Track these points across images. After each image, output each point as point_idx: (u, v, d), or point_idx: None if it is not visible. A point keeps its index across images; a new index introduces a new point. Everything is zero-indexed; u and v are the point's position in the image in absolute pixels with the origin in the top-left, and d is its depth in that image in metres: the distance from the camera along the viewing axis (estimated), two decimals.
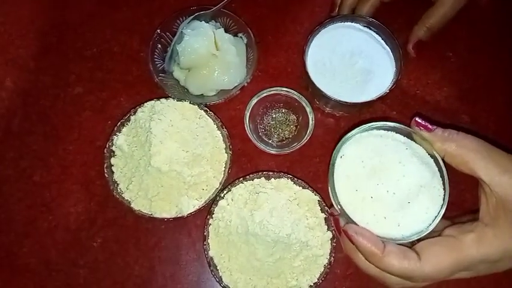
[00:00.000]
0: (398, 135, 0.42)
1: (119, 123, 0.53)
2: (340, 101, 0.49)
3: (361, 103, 0.50)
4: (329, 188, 0.41)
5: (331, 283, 0.51)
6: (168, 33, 0.56)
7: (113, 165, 0.52)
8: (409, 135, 0.42)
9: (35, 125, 0.57)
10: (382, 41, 0.53)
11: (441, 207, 0.39)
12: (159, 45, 0.55)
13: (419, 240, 0.38)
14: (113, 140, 0.53)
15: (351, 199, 0.40)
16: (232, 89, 0.54)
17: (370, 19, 0.53)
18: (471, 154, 0.36)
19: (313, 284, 0.49)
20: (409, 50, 0.56)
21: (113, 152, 0.53)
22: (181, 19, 0.55)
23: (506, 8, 0.61)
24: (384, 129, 0.42)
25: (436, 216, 0.39)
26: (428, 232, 0.38)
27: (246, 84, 0.54)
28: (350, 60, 0.52)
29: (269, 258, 0.48)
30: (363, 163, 0.41)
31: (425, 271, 0.35)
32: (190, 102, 0.53)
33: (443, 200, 0.39)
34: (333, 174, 0.41)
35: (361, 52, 0.52)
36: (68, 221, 0.53)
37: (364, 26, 0.54)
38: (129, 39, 0.59)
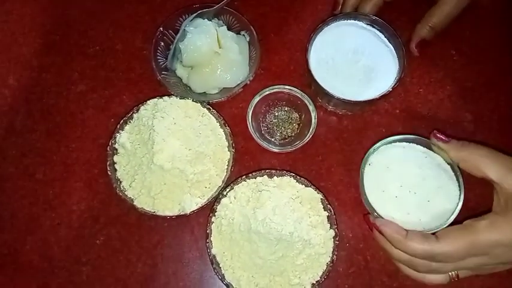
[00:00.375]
0: (418, 146, 0.49)
1: (122, 121, 0.53)
2: (343, 99, 0.49)
3: (364, 101, 0.50)
4: (360, 191, 0.48)
5: (333, 281, 0.52)
6: (170, 31, 0.56)
7: (115, 163, 0.52)
8: (428, 146, 0.49)
9: (37, 123, 0.57)
10: (386, 39, 0.53)
11: (457, 205, 0.46)
12: (162, 43, 0.55)
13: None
14: (115, 137, 0.53)
15: (379, 198, 0.47)
16: (234, 87, 0.54)
17: (374, 17, 0.53)
18: (482, 159, 0.43)
19: (316, 282, 0.49)
20: (412, 48, 0.56)
21: (116, 149, 0.53)
22: (184, 17, 0.55)
23: (509, 7, 0.61)
24: (406, 141, 0.49)
25: (453, 212, 0.45)
26: (446, 226, 0.45)
27: (248, 82, 0.54)
28: (353, 58, 0.52)
29: (272, 256, 0.48)
30: (388, 169, 0.48)
31: (444, 249, 0.41)
32: (193, 100, 0.53)
33: (459, 198, 0.46)
34: (363, 179, 0.48)
35: (364, 50, 0.52)
36: (71, 218, 0.54)
37: (367, 24, 0.53)
38: (132, 37, 0.59)
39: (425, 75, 0.58)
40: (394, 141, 0.49)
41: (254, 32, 0.55)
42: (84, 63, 0.59)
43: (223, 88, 0.55)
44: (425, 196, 0.47)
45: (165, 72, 0.55)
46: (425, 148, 0.49)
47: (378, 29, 0.53)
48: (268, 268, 0.49)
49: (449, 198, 0.46)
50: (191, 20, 0.54)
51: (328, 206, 0.51)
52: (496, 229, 0.40)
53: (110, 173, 0.51)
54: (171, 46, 0.55)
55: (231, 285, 0.49)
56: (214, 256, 0.50)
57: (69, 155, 0.56)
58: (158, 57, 0.55)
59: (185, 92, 0.55)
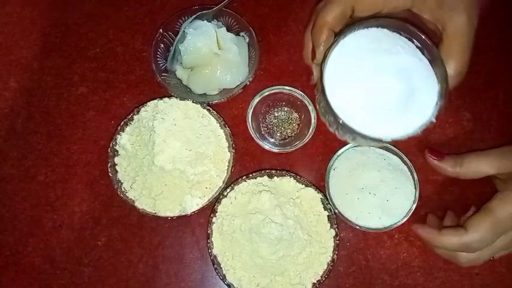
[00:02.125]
0: (378, 149, 0.52)
1: (122, 122, 0.53)
2: (373, 137, 0.37)
3: (400, 138, 0.37)
4: (326, 194, 0.51)
5: (334, 280, 0.52)
6: (170, 33, 0.56)
7: (116, 165, 0.52)
8: (386, 148, 0.52)
9: (38, 125, 0.57)
10: (418, 51, 0.39)
11: (413, 203, 0.50)
12: (162, 45, 0.56)
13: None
14: (116, 139, 0.53)
15: (343, 201, 0.51)
16: (234, 88, 0.54)
17: (400, 22, 0.39)
18: (477, 165, 0.48)
19: (317, 281, 0.49)
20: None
21: (117, 151, 0.53)
22: (183, 18, 0.56)
23: (508, 6, 0.61)
24: (367, 146, 0.51)
25: (409, 210, 0.49)
26: (402, 223, 0.49)
27: (248, 83, 0.54)
28: (382, 81, 0.39)
29: (272, 256, 0.48)
30: (350, 173, 0.51)
31: (474, 237, 0.45)
32: (193, 101, 0.53)
33: (415, 197, 0.50)
34: (328, 184, 0.51)
35: (399, 70, 0.38)
36: (73, 220, 0.54)
37: (394, 32, 0.40)
38: (132, 39, 0.60)
39: None
40: (356, 146, 0.52)
41: (253, 33, 0.55)
42: (84, 66, 0.59)
43: (223, 89, 0.55)
44: (384, 196, 0.50)
45: (165, 74, 0.56)
46: (383, 150, 0.52)
47: (407, 37, 0.40)
48: (269, 268, 0.49)
49: (406, 196, 0.50)
50: (190, 21, 0.55)
51: (328, 205, 0.51)
52: (508, 202, 0.45)
53: (110, 175, 0.51)
54: (170, 48, 0.56)
55: (232, 285, 0.49)
56: (215, 256, 0.50)
57: (70, 156, 0.56)
58: (158, 59, 0.55)
59: (185, 93, 0.55)
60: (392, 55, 0.39)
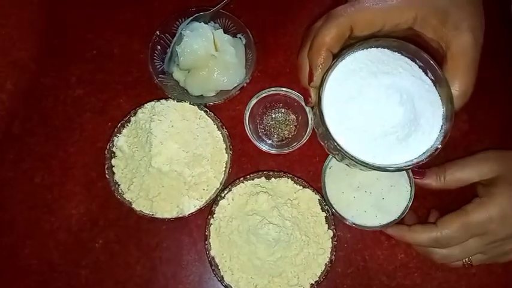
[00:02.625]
0: None
1: (119, 124, 0.53)
2: (376, 166, 0.36)
3: (405, 166, 0.37)
4: (322, 193, 0.51)
5: (332, 281, 0.52)
6: (167, 35, 0.56)
7: (113, 166, 0.52)
8: None
9: (35, 127, 0.57)
10: (421, 72, 0.38)
11: (409, 201, 0.50)
12: (159, 47, 0.56)
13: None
14: (113, 141, 0.53)
15: (339, 199, 0.51)
16: (231, 90, 0.54)
17: (401, 41, 0.38)
18: (459, 175, 0.49)
19: (314, 282, 0.49)
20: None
21: (114, 153, 0.53)
22: (180, 20, 0.56)
23: (506, 7, 0.61)
24: None
25: (405, 208, 0.49)
26: (398, 220, 0.49)
27: (245, 84, 0.54)
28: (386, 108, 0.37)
29: (270, 257, 0.48)
30: (346, 172, 0.51)
31: (442, 232, 0.46)
32: (190, 103, 0.53)
33: (410, 195, 0.50)
34: (324, 183, 0.51)
35: (402, 94, 0.37)
36: (70, 222, 0.54)
37: (395, 52, 0.39)
38: (129, 40, 0.60)
39: None
40: None
41: (250, 35, 0.55)
42: (81, 67, 0.59)
43: (220, 91, 0.55)
44: (380, 195, 0.50)
45: (162, 76, 0.56)
46: None
47: (409, 57, 0.39)
48: (267, 269, 0.49)
49: (401, 194, 0.50)
50: (187, 23, 0.55)
51: (326, 206, 0.51)
52: (483, 208, 0.46)
53: (108, 177, 0.51)
54: (167, 50, 0.56)
55: (230, 286, 0.49)
56: (213, 258, 0.50)
57: (68, 158, 0.56)
58: (155, 61, 0.55)
59: (182, 95, 0.55)
60: (393, 77, 0.37)
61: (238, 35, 0.57)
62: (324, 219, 0.51)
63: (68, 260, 0.53)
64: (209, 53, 0.53)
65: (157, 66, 0.55)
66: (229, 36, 0.55)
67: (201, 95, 0.55)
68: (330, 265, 0.49)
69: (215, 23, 0.57)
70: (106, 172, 0.51)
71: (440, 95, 0.38)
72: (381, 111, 0.37)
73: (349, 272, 0.52)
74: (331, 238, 0.50)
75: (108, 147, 0.52)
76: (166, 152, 0.50)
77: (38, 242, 0.53)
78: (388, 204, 0.50)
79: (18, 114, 0.57)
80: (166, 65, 0.56)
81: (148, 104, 0.53)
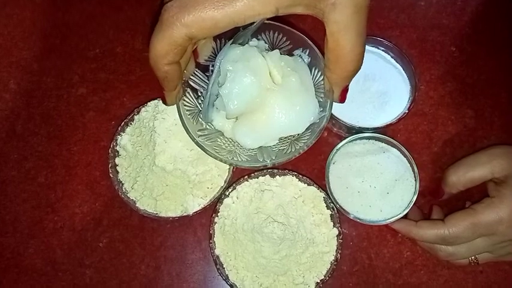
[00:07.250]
0: (377, 142, 0.52)
1: (123, 123, 0.53)
2: (361, 128, 0.49)
3: (382, 127, 0.50)
4: (326, 189, 0.50)
5: (337, 280, 0.51)
6: (196, 70, 0.40)
7: (117, 165, 0.52)
8: (385, 141, 0.51)
9: (38, 126, 0.57)
10: (393, 60, 0.52)
11: (414, 194, 0.49)
12: (188, 89, 0.40)
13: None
14: (117, 140, 0.53)
15: (343, 195, 0.50)
16: (306, 133, 0.39)
17: (379, 38, 0.52)
18: (472, 174, 0.48)
19: (320, 280, 0.49)
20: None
21: (117, 152, 0.53)
22: (214, 49, 0.40)
23: (509, 2, 0.61)
24: (366, 139, 0.52)
25: (410, 202, 0.49)
26: (404, 215, 0.49)
27: (326, 122, 0.39)
28: (364, 85, 0.52)
29: (275, 255, 0.48)
30: (350, 166, 0.51)
31: (450, 230, 0.46)
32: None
33: (415, 188, 0.50)
34: (328, 178, 0.51)
35: (375, 75, 0.52)
36: (74, 221, 0.53)
37: (372, 46, 0.53)
38: (132, 39, 0.59)
39: (426, 72, 0.58)
40: (355, 139, 0.51)
41: (315, 48, 0.39)
42: (84, 66, 0.59)
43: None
44: (385, 189, 0.50)
45: (201, 130, 0.40)
46: (382, 143, 0.52)
47: (383, 50, 0.53)
48: (272, 268, 0.49)
49: (406, 188, 0.50)
50: (225, 51, 0.37)
51: (331, 204, 0.50)
52: (493, 209, 0.45)
53: (111, 175, 0.51)
54: (201, 92, 0.41)
55: (235, 285, 0.49)
56: (217, 257, 0.50)
57: (71, 158, 0.56)
58: (186, 107, 0.40)
59: (232, 153, 0.40)
60: (372, 66, 0.52)
61: (297, 52, 0.41)
62: (329, 217, 0.50)
63: (71, 260, 0.52)
64: (265, 87, 0.38)
65: (190, 116, 0.40)
66: (286, 56, 0.40)
67: (260, 147, 0.41)
68: (335, 263, 0.49)
69: (258, 39, 0.41)
70: (110, 171, 0.51)
71: (407, 75, 0.52)
72: (360, 88, 0.51)
73: (355, 270, 0.52)
74: (337, 236, 0.50)
75: (111, 146, 0.52)
76: (170, 151, 0.49)
77: (42, 241, 0.53)
78: (393, 198, 0.50)
79: (22, 114, 0.57)
80: (204, 114, 0.40)
81: (151, 102, 0.53)
